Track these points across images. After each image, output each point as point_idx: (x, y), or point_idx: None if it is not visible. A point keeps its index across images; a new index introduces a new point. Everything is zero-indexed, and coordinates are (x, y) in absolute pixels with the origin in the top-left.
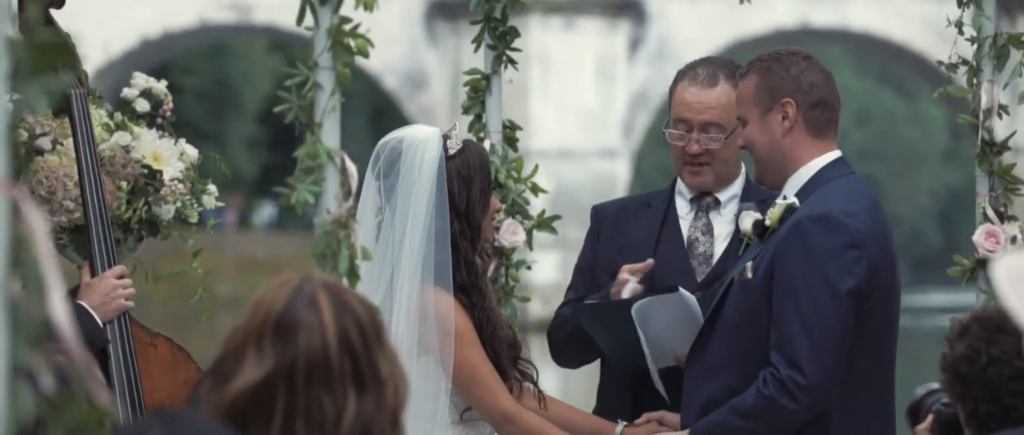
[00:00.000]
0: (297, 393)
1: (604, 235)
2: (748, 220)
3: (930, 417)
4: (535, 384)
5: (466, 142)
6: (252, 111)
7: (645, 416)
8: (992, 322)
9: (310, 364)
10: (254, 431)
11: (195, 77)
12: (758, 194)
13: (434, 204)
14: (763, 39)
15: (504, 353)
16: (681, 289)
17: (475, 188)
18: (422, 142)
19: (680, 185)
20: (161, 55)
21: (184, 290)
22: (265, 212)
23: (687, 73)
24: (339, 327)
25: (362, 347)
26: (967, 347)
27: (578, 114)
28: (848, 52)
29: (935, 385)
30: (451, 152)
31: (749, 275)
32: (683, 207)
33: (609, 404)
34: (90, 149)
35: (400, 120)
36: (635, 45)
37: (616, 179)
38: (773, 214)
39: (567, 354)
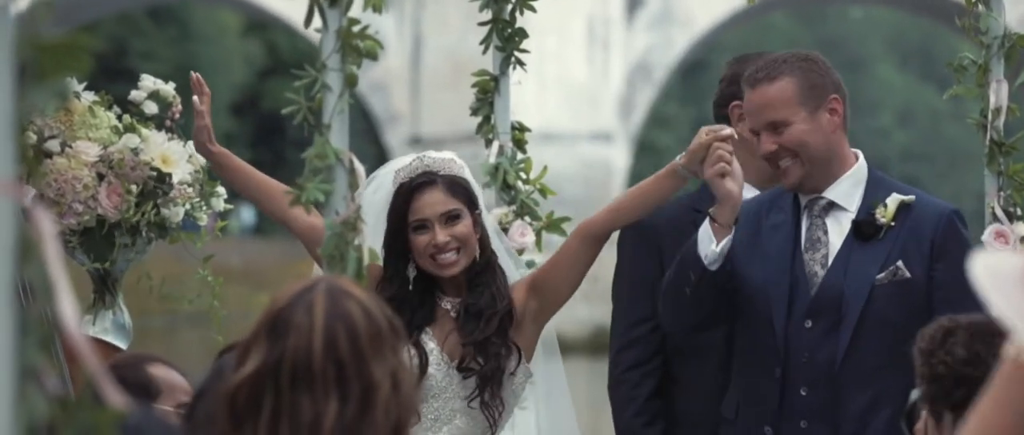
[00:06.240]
0: (282, 393)
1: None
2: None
3: (925, 414)
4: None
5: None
6: (225, 102)
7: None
8: (982, 327)
9: (295, 366)
10: (248, 423)
11: (155, 64)
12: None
13: None
14: None
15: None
16: None
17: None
18: None
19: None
20: (62, 24)
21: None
22: (243, 216)
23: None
24: (328, 333)
25: (350, 354)
26: (967, 351)
27: (565, 89)
28: (891, 48)
29: None
30: None
31: (908, 274)
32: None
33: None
34: None
35: None
36: (634, 6)
37: (612, 168)
38: (888, 212)
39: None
